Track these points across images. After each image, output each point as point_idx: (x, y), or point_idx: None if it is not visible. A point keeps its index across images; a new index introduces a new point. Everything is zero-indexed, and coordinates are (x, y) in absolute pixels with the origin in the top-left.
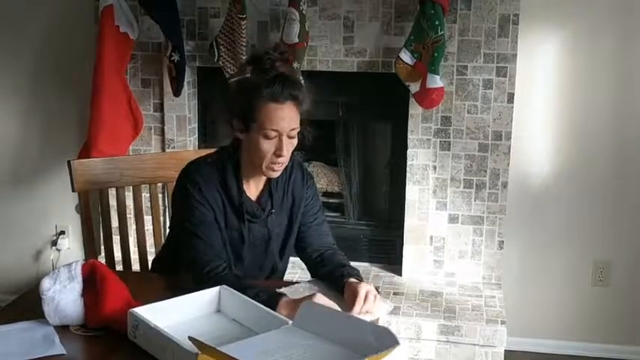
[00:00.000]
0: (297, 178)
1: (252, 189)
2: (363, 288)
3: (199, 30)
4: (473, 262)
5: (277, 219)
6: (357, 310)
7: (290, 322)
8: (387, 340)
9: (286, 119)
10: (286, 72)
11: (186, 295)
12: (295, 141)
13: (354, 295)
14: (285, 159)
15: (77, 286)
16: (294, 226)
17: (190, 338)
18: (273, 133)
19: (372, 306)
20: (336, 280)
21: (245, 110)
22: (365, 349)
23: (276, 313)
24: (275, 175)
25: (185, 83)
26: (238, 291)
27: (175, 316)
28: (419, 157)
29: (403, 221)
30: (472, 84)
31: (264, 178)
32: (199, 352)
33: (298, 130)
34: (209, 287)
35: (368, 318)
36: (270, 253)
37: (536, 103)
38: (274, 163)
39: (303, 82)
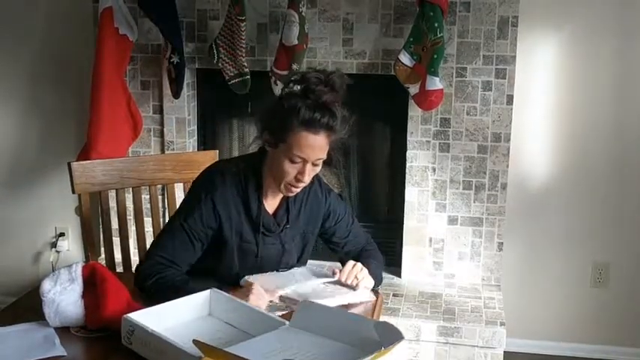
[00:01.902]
0: (315, 193)
1: (270, 202)
2: (350, 262)
3: (199, 32)
4: (472, 263)
5: (290, 233)
6: (342, 278)
7: (287, 322)
8: (391, 335)
9: (315, 149)
10: (328, 100)
11: (177, 300)
12: (319, 168)
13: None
14: (304, 183)
15: (77, 287)
16: (309, 244)
17: (195, 341)
18: (299, 160)
19: (357, 273)
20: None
21: (278, 128)
22: (369, 345)
23: (269, 314)
24: (291, 194)
25: (184, 85)
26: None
27: (167, 320)
28: (418, 158)
29: (402, 223)
30: (471, 86)
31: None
32: (202, 356)
33: (324, 159)
34: (147, 293)
35: (360, 288)
36: (283, 268)
37: (535, 105)
38: (293, 186)
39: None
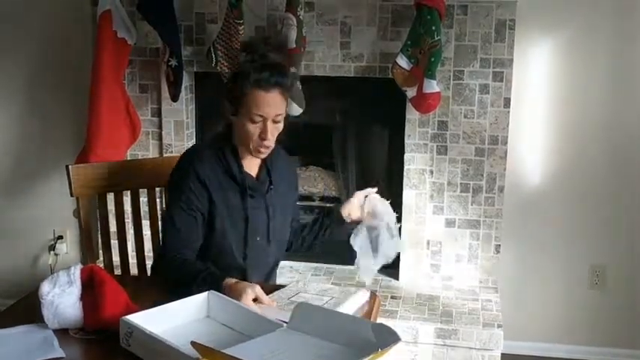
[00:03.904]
0: (291, 164)
1: (251, 167)
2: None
3: (197, 35)
4: (469, 265)
5: (275, 198)
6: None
7: (284, 324)
8: (388, 336)
9: (271, 106)
10: (277, 60)
11: (175, 302)
12: (281, 126)
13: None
14: (269, 142)
15: (76, 290)
16: (288, 217)
17: (193, 343)
18: (259, 118)
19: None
20: (321, 228)
21: (234, 95)
22: (366, 347)
23: (268, 317)
24: (262, 156)
25: (183, 88)
26: (189, 275)
27: (165, 322)
28: (416, 161)
29: (400, 225)
30: (469, 89)
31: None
32: (200, 357)
33: (284, 115)
34: (167, 274)
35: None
36: (272, 233)
37: (532, 108)
38: (260, 146)
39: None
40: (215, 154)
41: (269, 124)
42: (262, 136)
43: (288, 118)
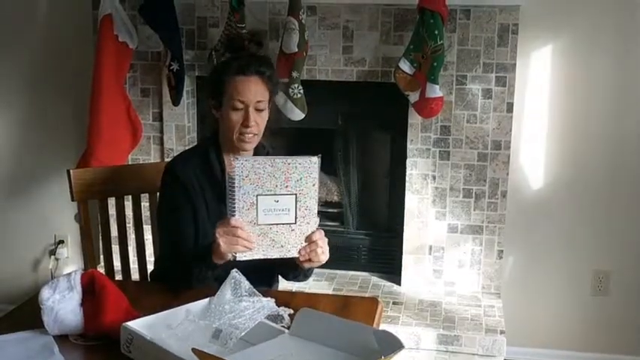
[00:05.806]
0: None
1: None
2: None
3: (198, 39)
4: (472, 271)
5: None
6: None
7: (286, 330)
8: (391, 343)
9: (252, 91)
10: (256, 52)
11: (176, 308)
12: (265, 114)
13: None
14: (252, 130)
15: (76, 295)
16: None
17: (194, 350)
18: (240, 104)
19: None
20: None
21: (217, 86)
22: (369, 353)
23: (270, 323)
24: (247, 146)
25: (184, 92)
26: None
27: (166, 328)
28: (418, 166)
29: (402, 231)
30: (471, 93)
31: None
32: None
33: (267, 103)
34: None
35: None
36: None
37: (535, 112)
38: (243, 134)
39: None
40: (198, 157)
41: (251, 110)
42: (245, 123)
43: (274, 110)
